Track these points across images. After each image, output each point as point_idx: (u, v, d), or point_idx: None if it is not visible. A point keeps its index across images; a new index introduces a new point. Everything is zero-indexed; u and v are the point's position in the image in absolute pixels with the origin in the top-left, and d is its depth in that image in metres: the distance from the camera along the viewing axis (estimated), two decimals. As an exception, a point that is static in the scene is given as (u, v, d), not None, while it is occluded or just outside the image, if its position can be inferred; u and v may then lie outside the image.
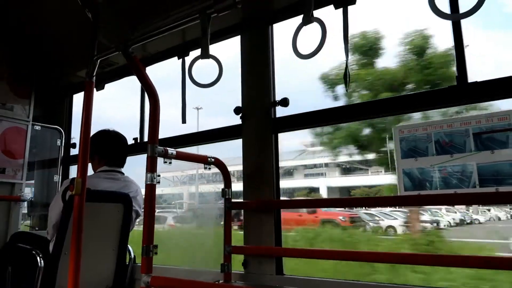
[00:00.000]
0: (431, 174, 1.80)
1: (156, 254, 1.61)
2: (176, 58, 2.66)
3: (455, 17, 1.67)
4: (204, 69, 1.74)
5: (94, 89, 1.89)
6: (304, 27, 1.57)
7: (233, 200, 2.12)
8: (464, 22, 1.76)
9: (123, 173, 2.48)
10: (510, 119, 1.60)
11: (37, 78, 3.27)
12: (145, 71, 1.78)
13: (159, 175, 1.68)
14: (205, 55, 1.64)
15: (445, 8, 1.69)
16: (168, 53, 2.72)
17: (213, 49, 1.66)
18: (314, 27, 1.51)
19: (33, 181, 3.50)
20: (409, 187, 1.84)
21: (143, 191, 1.72)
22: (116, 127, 2.49)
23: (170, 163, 1.77)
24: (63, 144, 3.46)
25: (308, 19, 1.53)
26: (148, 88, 1.75)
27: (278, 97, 2.30)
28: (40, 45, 3.06)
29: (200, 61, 1.74)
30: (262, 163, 2.21)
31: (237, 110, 2.37)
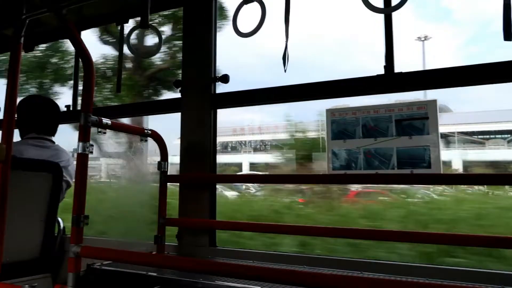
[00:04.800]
0: (357, 156, 1.94)
1: (87, 225, 1.59)
2: (114, 24, 2.55)
3: (388, 10, 1.79)
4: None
5: (22, 51, 1.77)
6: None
7: (168, 174, 2.13)
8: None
9: (53, 142, 2.37)
10: (427, 109, 1.77)
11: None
12: (79, 35, 1.70)
13: (92, 145, 1.64)
14: (145, 24, 1.60)
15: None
16: (106, 19, 2.59)
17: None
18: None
19: None
20: (337, 166, 1.98)
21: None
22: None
23: (104, 133, 1.73)
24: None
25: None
26: (82, 53, 1.67)
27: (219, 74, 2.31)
28: None
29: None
30: (200, 138, 2.23)
31: (176, 83, 2.34)
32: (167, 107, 2.42)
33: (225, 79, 2.28)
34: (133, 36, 2.00)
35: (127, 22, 2.53)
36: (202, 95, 2.27)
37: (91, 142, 1.63)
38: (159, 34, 1.67)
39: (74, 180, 2.44)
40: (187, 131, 2.28)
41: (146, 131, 1.97)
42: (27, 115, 2.26)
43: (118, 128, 1.80)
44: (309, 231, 2.02)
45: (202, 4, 2.33)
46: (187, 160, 2.25)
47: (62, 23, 1.68)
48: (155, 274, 1.79)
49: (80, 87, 2.71)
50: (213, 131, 2.26)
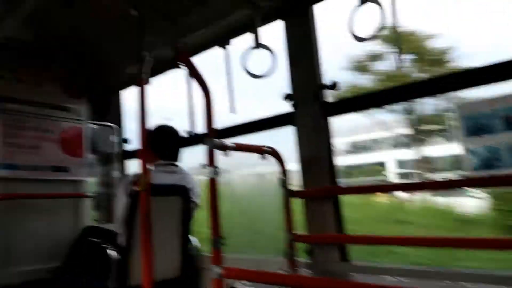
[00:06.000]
0: (501, 153, 1.67)
1: (224, 245, 1.64)
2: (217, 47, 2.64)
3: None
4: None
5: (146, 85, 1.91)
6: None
7: (292, 189, 2.11)
8: None
9: (178, 166, 2.53)
10: None
11: (88, 79, 3.38)
12: (195, 65, 1.78)
13: (219, 168, 1.69)
14: (257, 45, 1.60)
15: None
16: (209, 43, 2.69)
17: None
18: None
19: (94, 178, 3.67)
20: (478, 166, 1.73)
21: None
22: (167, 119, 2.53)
23: (228, 155, 1.77)
24: (117, 140, 3.59)
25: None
26: (199, 80, 1.75)
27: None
28: (89, 47, 3.14)
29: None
30: (316, 150, 2.17)
31: (287, 97, 2.32)
32: (279, 122, 2.41)
33: (334, 86, 2.19)
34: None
35: (228, 44, 2.61)
36: (313, 105, 2.21)
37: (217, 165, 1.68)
38: (272, 52, 1.65)
39: (199, 200, 2.57)
40: (303, 144, 2.24)
41: (265, 148, 1.98)
42: (154, 144, 2.45)
43: (240, 148, 1.83)
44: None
45: (300, 13, 2.28)
46: (307, 174, 2.21)
47: (177, 54, 1.78)
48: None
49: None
50: (329, 141, 2.18)
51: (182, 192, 2.34)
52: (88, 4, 2.44)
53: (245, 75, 2.08)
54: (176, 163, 2.52)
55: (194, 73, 1.76)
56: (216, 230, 1.62)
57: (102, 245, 2.36)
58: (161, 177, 2.35)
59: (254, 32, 1.58)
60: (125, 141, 3.70)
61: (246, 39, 2.48)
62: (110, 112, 3.72)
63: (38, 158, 3.03)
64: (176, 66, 2.96)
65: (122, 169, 3.62)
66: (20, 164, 2.93)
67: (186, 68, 1.84)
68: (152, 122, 2.46)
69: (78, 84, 3.34)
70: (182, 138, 2.63)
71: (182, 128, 2.79)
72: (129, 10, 1.83)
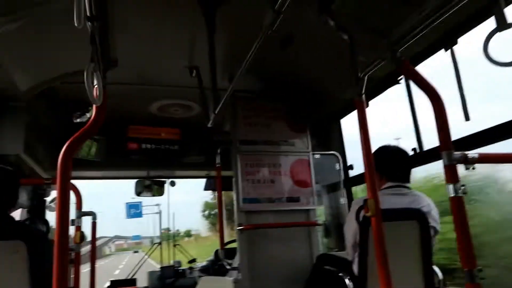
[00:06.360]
0: None
1: (482, 279, 1.34)
2: (442, 50, 2.34)
3: None
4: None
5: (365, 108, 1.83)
6: None
7: None
8: None
9: (409, 188, 2.32)
10: None
11: (308, 111, 3.60)
12: (419, 72, 1.60)
13: (463, 185, 1.42)
14: (503, 25, 1.30)
15: None
16: (432, 48, 2.42)
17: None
18: None
19: (322, 206, 3.80)
20: None
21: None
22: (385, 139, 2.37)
23: (473, 168, 1.48)
24: (341, 168, 3.64)
25: None
26: (427, 90, 1.55)
27: None
28: (306, 80, 3.35)
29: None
30: None
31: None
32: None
33: None
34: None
35: (456, 44, 2.28)
36: None
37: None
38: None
39: (439, 226, 2.27)
40: None
41: None
42: (380, 166, 2.33)
43: (489, 159, 1.50)
44: None
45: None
46: None
47: (399, 67, 1.64)
48: None
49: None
50: None
51: (418, 216, 2.11)
52: (303, 39, 2.60)
53: (476, 77, 1.74)
54: (406, 184, 2.31)
55: (420, 82, 1.58)
56: (469, 260, 1.34)
57: (339, 274, 2.35)
58: (390, 201, 2.19)
59: (499, 12, 1.29)
60: (350, 167, 3.71)
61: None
62: (332, 140, 3.83)
63: (273, 191, 3.35)
64: (395, 81, 2.84)
65: (348, 196, 3.62)
66: (260, 198, 3.30)
67: (410, 78, 1.68)
68: (375, 145, 2.36)
69: (300, 118, 3.59)
70: (410, 157, 2.41)
71: (406, 147, 2.58)
72: (340, 34, 1.83)
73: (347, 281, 2.23)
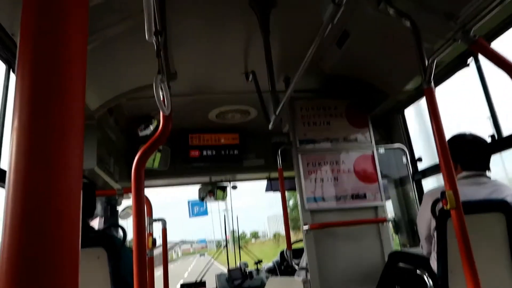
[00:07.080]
0: None
1: None
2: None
3: None
4: None
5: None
6: None
7: None
8: None
9: (489, 177, 2.14)
10: None
11: (370, 105, 3.48)
12: (495, 49, 1.47)
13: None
14: None
15: None
16: (505, 24, 2.22)
17: None
18: None
19: (390, 200, 3.65)
20: None
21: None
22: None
23: None
24: (409, 160, 3.47)
25: None
26: (507, 67, 1.42)
27: None
28: (366, 74, 3.25)
29: None
30: None
31: None
32: None
33: None
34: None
35: None
36: None
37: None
38: None
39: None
40: None
41: None
42: (455, 155, 2.18)
43: None
44: None
45: None
46: None
47: (473, 46, 1.52)
48: None
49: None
50: None
51: (503, 208, 1.93)
52: (360, 33, 2.52)
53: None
54: (486, 173, 2.14)
55: (500, 61, 1.45)
56: None
57: (416, 271, 2.23)
58: (469, 191, 2.03)
59: None
60: (419, 159, 3.52)
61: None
62: (395, 133, 3.67)
63: (338, 188, 3.29)
64: (463, 64, 2.65)
65: (418, 189, 3.44)
66: (324, 196, 3.25)
67: (488, 58, 1.55)
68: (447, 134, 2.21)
69: (361, 113, 3.49)
70: (488, 144, 2.22)
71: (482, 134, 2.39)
72: (402, 20, 1.74)
73: (426, 278, 2.11)
